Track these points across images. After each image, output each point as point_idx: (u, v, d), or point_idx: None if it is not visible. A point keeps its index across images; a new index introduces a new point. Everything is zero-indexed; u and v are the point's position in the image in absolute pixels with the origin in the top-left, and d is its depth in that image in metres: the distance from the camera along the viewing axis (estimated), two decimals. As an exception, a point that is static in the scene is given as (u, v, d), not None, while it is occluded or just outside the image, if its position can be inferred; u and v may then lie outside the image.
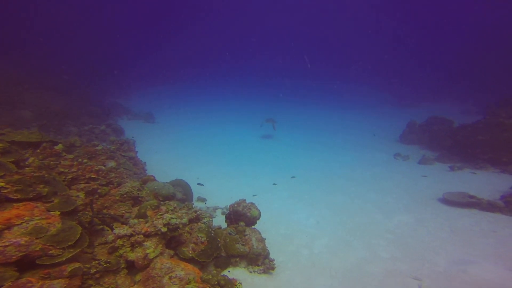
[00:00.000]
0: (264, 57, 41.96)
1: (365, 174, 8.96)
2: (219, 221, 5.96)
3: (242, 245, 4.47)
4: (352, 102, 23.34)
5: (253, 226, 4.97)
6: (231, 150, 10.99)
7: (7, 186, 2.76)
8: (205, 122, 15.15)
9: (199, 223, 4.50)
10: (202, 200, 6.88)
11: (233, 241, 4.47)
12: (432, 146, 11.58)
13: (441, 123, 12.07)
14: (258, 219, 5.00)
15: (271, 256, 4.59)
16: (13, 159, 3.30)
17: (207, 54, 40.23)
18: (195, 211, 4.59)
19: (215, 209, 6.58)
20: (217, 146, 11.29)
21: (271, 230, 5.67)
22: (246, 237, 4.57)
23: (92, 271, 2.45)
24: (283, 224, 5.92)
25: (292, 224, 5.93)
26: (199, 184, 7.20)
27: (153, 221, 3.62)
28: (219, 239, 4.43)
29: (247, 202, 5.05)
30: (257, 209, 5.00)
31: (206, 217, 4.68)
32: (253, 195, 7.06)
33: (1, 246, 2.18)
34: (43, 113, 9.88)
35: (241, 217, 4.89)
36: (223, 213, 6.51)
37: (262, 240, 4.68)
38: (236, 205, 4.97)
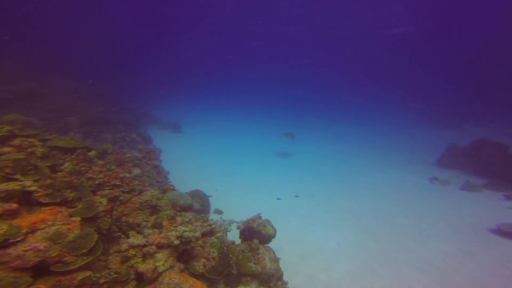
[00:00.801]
0: (291, 69, 42.26)
1: (395, 197, 8.25)
2: (234, 235, 5.80)
3: (255, 263, 4.25)
4: (383, 121, 22.18)
5: (267, 244, 4.73)
6: (250, 162, 10.92)
7: (39, 190, 2.91)
8: (228, 133, 15.38)
9: (212, 237, 4.38)
10: (219, 212, 6.80)
11: (245, 259, 4.26)
12: (478, 171, 10.39)
13: (493, 147, 10.58)
14: (273, 237, 4.77)
15: (285, 278, 4.30)
16: (49, 164, 3.51)
17: (233, 67, 41.64)
18: (210, 225, 4.50)
19: (230, 222, 6.45)
20: (237, 157, 11.30)
21: (287, 249, 5.36)
22: (259, 255, 4.35)
23: (101, 281, 2.44)
24: (299, 244, 5.57)
25: (309, 245, 5.56)
26: (208, 196, 7.16)
27: (166, 233, 3.59)
28: (231, 255, 4.25)
29: (263, 218, 4.85)
30: (272, 227, 4.77)
31: (220, 232, 4.55)
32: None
33: (22, 251, 2.24)
34: (86, 120, 10.78)
35: (255, 234, 4.69)
36: (238, 228, 6.35)
37: (276, 260, 4.42)
38: (251, 221, 4.80)
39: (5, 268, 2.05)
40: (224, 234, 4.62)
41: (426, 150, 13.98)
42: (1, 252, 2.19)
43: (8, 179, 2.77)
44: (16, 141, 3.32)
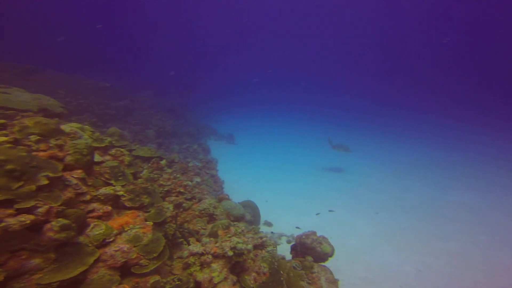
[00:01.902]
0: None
1: (501, 220, 6.66)
2: (284, 249, 5.59)
3: (308, 283, 3.95)
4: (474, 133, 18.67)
5: (323, 263, 4.36)
6: (302, 174, 10.55)
7: (125, 194, 3.36)
8: (279, 144, 15.34)
9: (263, 251, 4.29)
10: (269, 224, 6.69)
11: (297, 277, 4.01)
12: None
13: None
14: (331, 256, 4.35)
15: (345, 304, 3.84)
16: (133, 171, 4.06)
17: (283, 80, 42.11)
18: (261, 237, 4.43)
19: (280, 236, 6.26)
20: (288, 169, 11.09)
21: (346, 270, 4.82)
22: (314, 275, 4.02)
23: (167, 287, 2.60)
24: (363, 266, 4.95)
25: (376, 268, 4.88)
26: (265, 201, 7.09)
27: (221, 243, 3.68)
28: (282, 272, 4.06)
29: (318, 235, 4.51)
30: (329, 244, 4.37)
31: (270, 245, 4.43)
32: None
33: (114, 250, 2.56)
34: (160, 132, 12.42)
35: (309, 250, 4.38)
36: (288, 242, 6.11)
37: (334, 281, 4.00)
38: (304, 237, 4.51)
39: (104, 266, 2.37)
40: (275, 248, 4.47)
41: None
42: (102, 250, 2.55)
43: (106, 183, 3.30)
44: (113, 151, 3.95)
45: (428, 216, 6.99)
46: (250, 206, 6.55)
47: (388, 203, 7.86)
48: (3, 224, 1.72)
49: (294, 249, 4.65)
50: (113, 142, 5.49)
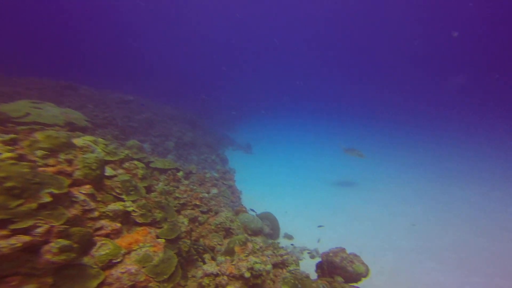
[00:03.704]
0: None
1: None
2: (307, 265, 5.08)
3: (336, 311, 3.43)
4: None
5: (355, 284, 3.81)
6: (323, 183, 9.92)
7: (136, 209, 3.18)
8: (297, 153, 14.81)
9: (284, 270, 3.86)
10: (289, 237, 6.21)
11: (323, 303, 3.51)
12: None
13: None
14: (364, 276, 3.79)
15: None
16: (146, 184, 3.91)
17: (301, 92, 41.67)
18: (281, 255, 4.00)
19: (302, 250, 5.73)
20: (307, 178, 10.51)
21: None
22: (344, 300, 3.50)
23: (177, 314, 2.30)
24: (405, 286, 4.28)
25: None
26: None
27: (238, 263, 3.33)
28: (306, 295, 3.59)
29: (348, 252, 3.97)
30: (363, 263, 3.82)
31: (292, 264, 3.98)
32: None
33: (120, 273, 2.34)
34: (179, 143, 12.60)
35: (338, 270, 3.85)
36: (311, 256, 5.58)
37: None
38: (331, 255, 4.00)
39: (108, 290, 2.15)
40: (298, 268, 4.01)
41: None
42: (107, 272, 2.34)
43: (117, 198, 3.15)
44: (126, 164, 3.85)
45: (485, 230, 5.99)
46: (269, 218, 6.15)
47: (427, 214, 6.96)
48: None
49: (320, 268, 4.14)
50: (131, 154, 5.50)
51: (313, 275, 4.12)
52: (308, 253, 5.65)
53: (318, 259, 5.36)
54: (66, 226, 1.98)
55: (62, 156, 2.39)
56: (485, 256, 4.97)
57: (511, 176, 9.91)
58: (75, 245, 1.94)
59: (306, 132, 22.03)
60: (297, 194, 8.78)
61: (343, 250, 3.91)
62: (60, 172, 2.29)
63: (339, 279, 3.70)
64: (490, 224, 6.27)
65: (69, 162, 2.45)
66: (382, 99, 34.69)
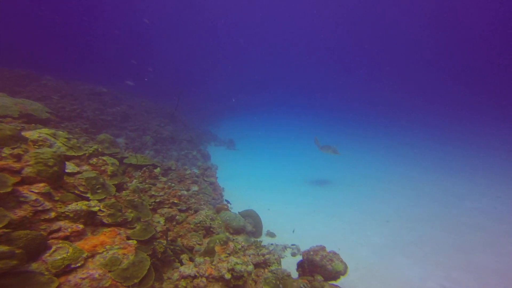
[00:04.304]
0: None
1: None
2: (288, 263, 5.03)
3: (317, 309, 3.39)
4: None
5: (333, 282, 3.81)
6: (304, 180, 10.00)
7: (103, 209, 2.87)
8: (280, 150, 14.84)
9: (266, 270, 3.76)
10: (271, 235, 6.14)
11: (304, 301, 3.46)
12: None
13: None
14: (343, 274, 3.80)
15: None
16: (116, 182, 3.57)
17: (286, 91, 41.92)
18: (263, 255, 3.89)
19: (284, 248, 5.69)
20: (290, 174, 10.54)
21: (361, 287, 4.28)
22: (324, 298, 3.47)
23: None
24: (379, 282, 4.38)
25: (395, 283, 4.31)
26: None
27: (217, 263, 3.16)
28: (287, 293, 3.52)
29: (328, 250, 3.96)
30: (342, 261, 3.83)
31: (274, 263, 3.89)
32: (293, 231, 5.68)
33: (80, 278, 2.07)
34: (158, 138, 12.00)
35: (318, 268, 3.83)
36: (293, 254, 5.55)
37: None
38: (312, 253, 3.96)
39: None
40: (279, 266, 3.93)
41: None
42: (63, 278, 2.05)
43: (81, 197, 2.81)
44: (94, 160, 3.48)
45: (446, 225, 6.36)
46: (252, 216, 6.02)
47: (398, 212, 7.26)
48: None
49: (301, 266, 4.10)
50: (102, 149, 5.04)
51: (294, 273, 4.08)
52: (290, 250, 5.62)
53: (299, 257, 5.36)
54: (6, 230, 1.67)
55: (6, 151, 2.03)
56: (446, 250, 5.27)
57: (471, 171, 10.72)
58: (18, 251, 1.64)
59: (290, 128, 22.21)
60: (280, 191, 8.76)
61: (323, 248, 3.89)
62: (3, 169, 1.94)
63: (319, 277, 3.67)
64: (449, 220, 6.67)
65: (17, 157, 2.10)
66: (365, 98, 35.95)
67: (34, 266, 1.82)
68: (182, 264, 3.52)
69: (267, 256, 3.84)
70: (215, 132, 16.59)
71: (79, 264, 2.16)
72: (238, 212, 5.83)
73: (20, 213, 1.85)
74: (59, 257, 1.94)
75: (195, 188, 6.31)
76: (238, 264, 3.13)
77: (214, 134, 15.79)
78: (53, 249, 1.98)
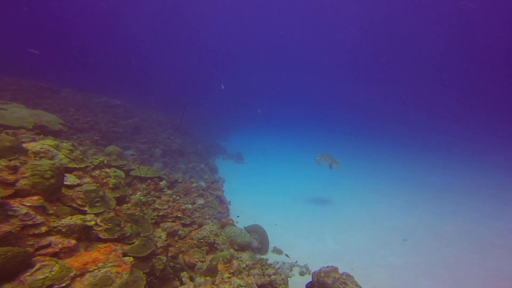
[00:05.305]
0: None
1: None
2: (296, 283, 4.66)
3: None
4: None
5: None
6: (315, 194, 9.58)
7: (100, 223, 2.74)
8: (288, 163, 14.49)
9: (272, 292, 3.44)
10: (278, 252, 5.76)
11: (314, 330, 3.08)
12: None
13: None
14: None
15: None
16: (118, 195, 3.47)
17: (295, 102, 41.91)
18: (269, 275, 3.58)
19: (291, 266, 5.29)
20: (299, 189, 10.15)
21: None
22: (335, 328, 3.09)
23: None
24: None
25: None
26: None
27: (219, 284, 2.90)
28: (295, 321, 3.16)
29: (341, 272, 3.59)
30: (357, 285, 3.44)
31: (281, 285, 3.56)
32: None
33: None
34: (167, 150, 12.07)
35: None
36: (301, 273, 5.14)
37: None
38: (323, 275, 3.60)
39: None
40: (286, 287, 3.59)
41: None
42: None
43: (78, 211, 2.70)
44: (96, 172, 3.41)
45: (478, 246, 5.75)
46: (258, 231, 5.72)
47: (419, 229, 6.68)
48: None
49: (311, 288, 3.72)
50: (109, 161, 5.02)
51: (303, 296, 3.70)
52: (299, 269, 5.21)
53: (308, 276, 4.94)
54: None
55: (2, 163, 1.97)
56: (480, 275, 4.68)
57: (498, 191, 9.86)
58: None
59: (300, 142, 21.87)
60: (288, 205, 8.39)
61: (335, 269, 3.53)
62: (-3, 180, 1.87)
63: (332, 301, 3.30)
64: (481, 240, 6.06)
65: (13, 169, 2.03)
66: (374, 110, 35.12)
67: (6, 287, 1.65)
68: (182, 283, 3.28)
69: (273, 277, 3.53)
70: (223, 145, 16.58)
71: (63, 285, 1.98)
72: (244, 227, 5.55)
73: (4, 228, 1.74)
74: (40, 277, 1.79)
75: (200, 201, 6.13)
76: (241, 286, 2.86)
77: (223, 147, 15.76)
78: (36, 267, 1.83)
